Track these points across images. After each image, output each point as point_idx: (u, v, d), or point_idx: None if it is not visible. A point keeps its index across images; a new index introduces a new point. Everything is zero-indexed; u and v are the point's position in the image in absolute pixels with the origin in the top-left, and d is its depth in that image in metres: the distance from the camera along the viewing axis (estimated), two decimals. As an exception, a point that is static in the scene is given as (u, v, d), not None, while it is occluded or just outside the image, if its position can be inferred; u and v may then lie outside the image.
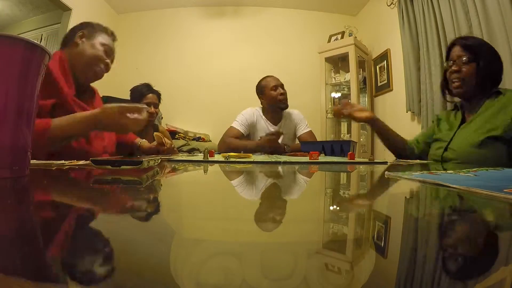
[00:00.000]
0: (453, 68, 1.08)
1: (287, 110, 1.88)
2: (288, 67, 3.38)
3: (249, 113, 1.85)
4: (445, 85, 1.15)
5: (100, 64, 1.04)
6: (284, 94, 1.77)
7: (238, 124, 1.80)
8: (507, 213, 0.22)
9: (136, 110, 0.82)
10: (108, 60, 1.06)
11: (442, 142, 1.12)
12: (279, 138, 1.59)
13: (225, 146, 1.71)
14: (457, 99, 1.20)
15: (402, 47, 2.55)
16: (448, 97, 1.20)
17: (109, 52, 1.07)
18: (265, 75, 1.90)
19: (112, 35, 1.10)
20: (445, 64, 1.14)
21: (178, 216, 0.22)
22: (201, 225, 0.19)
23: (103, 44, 1.05)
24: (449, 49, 1.12)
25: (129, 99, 1.71)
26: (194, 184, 0.47)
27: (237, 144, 1.67)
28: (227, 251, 0.14)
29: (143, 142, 1.37)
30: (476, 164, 0.87)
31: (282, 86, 1.79)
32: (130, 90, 1.74)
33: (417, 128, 2.38)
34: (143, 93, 1.71)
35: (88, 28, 1.04)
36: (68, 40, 1.04)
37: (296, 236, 0.17)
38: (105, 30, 1.08)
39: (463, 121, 1.11)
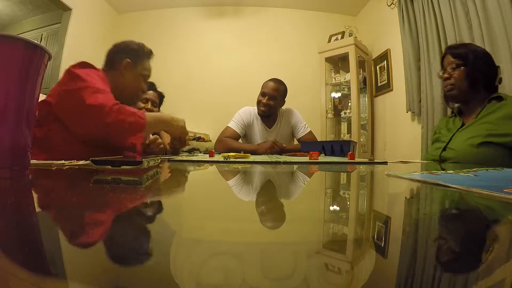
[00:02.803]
0: (445, 75, 1.13)
1: (285, 108, 1.85)
2: (288, 67, 3.38)
3: (246, 113, 1.83)
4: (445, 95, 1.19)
5: (139, 96, 1.13)
6: (266, 104, 1.72)
7: (234, 124, 1.79)
8: (507, 213, 0.22)
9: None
10: (145, 87, 1.14)
11: (441, 143, 1.14)
12: (278, 149, 1.58)
13: (222, 145, 1.70)
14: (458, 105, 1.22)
15: (402, 47, 2.55)
16: (451, 104, 1.23)
17: (148, 76, 1.14)
18: (269, 77, 1.86)
19: (151, 55, 1.17)
20: (439, 74, 1.19)
21: (178, 216, 0.22)
22: (201, 225, 0.19)
23: (145, 73, 1.11)
24: (443, 59, 1.17)
25: None
26: (194, 184, 0.47)
27: (235, 146, 1.66)
28: (227, 251, 0.14)
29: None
30: (474, 164, 0.87)
31: (270, 96, 1.72)
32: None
33: (417, 128, 2.38)
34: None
35: (133, 56, 1.08)
36: (112, 63, 1.07)
37: (296, 236, 0.17)
38: (148, 55, 1.14)
39: (462, 125, 1.13)
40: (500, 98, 1.04)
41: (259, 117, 1.82)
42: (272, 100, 1.73)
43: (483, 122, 1.02)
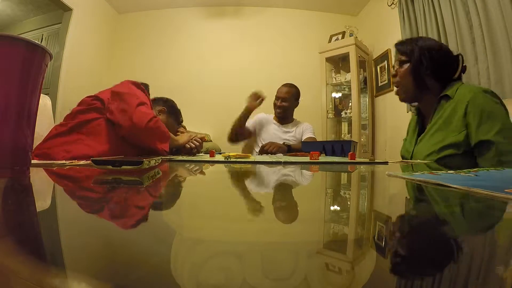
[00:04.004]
0: (392, 73, 1.05)
1: (300, 121, 2.08)
2: (288, 67, 3.38)
3: (259, 115, 2.07)
4: None
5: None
6: (280, 106, 1.96)
7: (249, 123, 2.00)
8: (508, 214, 0.22)
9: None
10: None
11: (409, 146, 1.10)
12: (284, 150, 1.70)
13: (229, 134, 1.97)
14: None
15: (403, 47, 2.55)
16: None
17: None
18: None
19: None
20: (391, 71, 1.12)
21: (179, 216, 0.22)
22: (201, 225, 0.19)
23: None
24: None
25: None
26: (194, 184, 0.47)
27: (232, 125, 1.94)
28: (228, 251, 0.14)
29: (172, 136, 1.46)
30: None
31: (283, 98, 1.96)
32: (172, 106, 1.78)
33: (418, 128, 2.37)
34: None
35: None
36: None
37: (296, 236, 0.17)
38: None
39: (422, 129, 1.06)
40: (447, 97, 0.95)
41: (273, 119, 2.05)
42: (285, 101, 1.96)
43: (434, 131, 0.95)
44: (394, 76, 1.05)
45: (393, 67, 1.07)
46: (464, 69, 1.00)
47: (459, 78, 1.00)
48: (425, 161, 0.95)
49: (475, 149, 0.86)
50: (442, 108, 0.96)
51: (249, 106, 1.86)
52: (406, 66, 1.00)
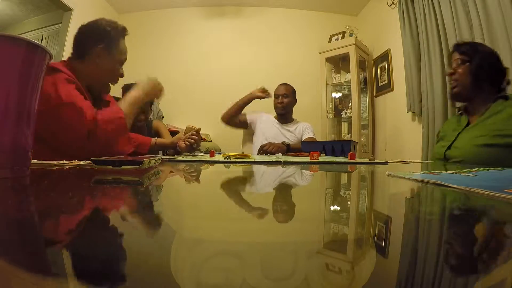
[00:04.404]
0: (449, 71, 1.12)
1: (300, 120, 2.10)
2: (289, 67, 3.38)
3: (258, 113, 2.11)
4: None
5: (116, 79, 1.01)
6: (281, 102, 1.99)
7: (247, 113, 2.07)
8: (508, 213, 0.22)
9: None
10: (122, 71, 1.02)
11: (446, 141, 1.13)
12: (283, 150, 1.71)
13: (224, 114, 2.01)
14: (463, 104, 1.21)
15: (403, 47, 2.55)
16: (456, 102, 1.24)
17: (125, 59, 1.02)
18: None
19: (126, 33, 1.03)
20: (447, 71, 1.19)
21: (179, 216, 0.22)
22: (201, 225, 0.19)
23: (122, 58, 0.99)
24: (450, 57, 1.17)
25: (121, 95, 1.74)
26: (194, 184, 0.47)
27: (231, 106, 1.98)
28: (228, 251, 0.14)
29: (159, 140, 1.41)
30: (478, 163, 0.87)
31: (283, 95, 2.00)
32: (122, 88, 1.77)
33: (418, 128, 2.37)
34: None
35: (106, 40, 0.94)
36: (82, 52, 0.93)
37: (297, 236, 0.17)
38: (122, 34, 1.00)
39: (468, 124, 1.12)
40: (506, 98, 1.02)
41: (273, 118, 2.08)
42: (286, 98, 2.00)
43: (488, 123, 1.01)
44: (452, 74, 1.11)
45: (449, 65, 1.14)
46: (509, 82, 1.09)
47: (504, 89, 1.08)
48: (428, 161, 0.98)
49: None
50: (498, 106, 1.02)
51: (253, 93, 1.93)
52: (466, 65, 1.07)
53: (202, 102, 3.46)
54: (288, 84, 2.07)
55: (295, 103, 2.09)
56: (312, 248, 0.15)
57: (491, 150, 0.94)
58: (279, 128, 2.02)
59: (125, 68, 1.04)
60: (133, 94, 0.95)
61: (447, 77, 1.18)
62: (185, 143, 1.31)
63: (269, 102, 2.06)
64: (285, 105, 2.00)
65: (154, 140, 1.39)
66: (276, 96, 2.03)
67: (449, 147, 1.09)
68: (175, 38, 3.60)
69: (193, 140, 1.30)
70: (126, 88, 1.76)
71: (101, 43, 0.92)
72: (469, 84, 1.07)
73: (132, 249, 0.14)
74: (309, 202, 0.30)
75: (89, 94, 0.93)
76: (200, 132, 1.35)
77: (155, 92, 1.04)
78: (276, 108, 2.04)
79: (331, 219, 0.22)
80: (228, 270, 0.12)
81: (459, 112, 1.20)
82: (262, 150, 1.67)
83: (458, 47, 1.14)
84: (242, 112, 2.04)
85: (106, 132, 0.80)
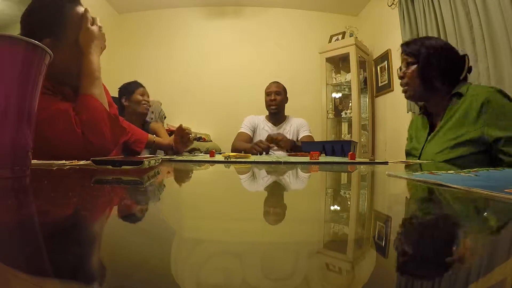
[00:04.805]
0: (399, 74, 1.06)
1: (292, 116, 2.07)
2: (289, 67, 3.39)
3: (250, 118, 2.08)
4: None
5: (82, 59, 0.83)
6: (274, 100, 1.97)
7: (244, 128, 2.02)
8: (508, 214, 0.22)
9: None
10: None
11: (413, 158, 1.09)
12: (263, 148, 1.67)
13: (233, 148, 1.95)
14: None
15: (403, 47, 2.55)
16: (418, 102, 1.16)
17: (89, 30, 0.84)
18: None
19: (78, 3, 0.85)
20: (397, 72, 1.10)
21: (179, 216, 0.22)
22: (201, 225, 0.19)
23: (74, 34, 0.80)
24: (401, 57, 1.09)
25: (118, 96, 1.77)
26: (194, 184, 0.47)
27: (237, 146, 1.89)
28: (228, 251, 0.14)
29: (157, 139, 1.42)
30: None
31: (276, 92, 1.98)
32: (119, 88, 1.78)
33: (418, 128, 2.37)
34: (133, 88, 1.78)
35: (53, 24, 0.77)
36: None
37: (297, 236, 0.17)
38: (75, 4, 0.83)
39: (431, 129, 1.06)
40: (460, 95, 0.95)
41: (265, 120, 2.06)
42: (278, 95, 1.98)
43: (447, 129, 0.95)
44: (402, 78, 1.05)
45: (400, 68, 1.07)
46: (470, 69, 1.00)
47: (465, 78, 1.00)
48: (429, 161, 0.95)
49: (493, 145, 0.86)
50: (454, 106, 0.96)
51: (257, 145, 1.68)
52: (413, 67, 1.01)
53: (202, 102, 3.47)
54: (279, 82, 2.06)
55: (287, 101, 2.07)
56: (312, 248, 0.15)
57: (458, 161, 0.89)
58: (272, 130, 1.99)
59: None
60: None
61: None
62: (175, 146, 1.34)
63: (260, 101, 2.05)
64: (278, 103, 1.97)
65: (153, 137, 1.40)
66: (268, 94, 2.00)
67: (419, 157, 1.05)
68: (175, 38, 3.60)
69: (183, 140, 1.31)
70: (123, 88, 1.77)
71: (49, 34, 0.76)
72: (419, 87, 1.00)
73: (132, 249, 0.14)
74: (309, 202, 0.30)
75: (66, 87, 0.84)
76: (185, 129, 1.33)
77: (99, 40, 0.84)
78: (268, 107, 2.01)
79: (331, 219, 0.22)
80: (228, 270, 0.12)
81: (420, 112, 1.14)
82: (271, 139, 1.66)
83: (404, 47, 1.06)
84: (244, 131, 2.01)
85: (84, 122, 0.73)
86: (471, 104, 0.90)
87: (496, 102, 0.87)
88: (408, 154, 1.15)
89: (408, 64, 1.02)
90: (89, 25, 0.80)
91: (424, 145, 1.04)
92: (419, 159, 1.05)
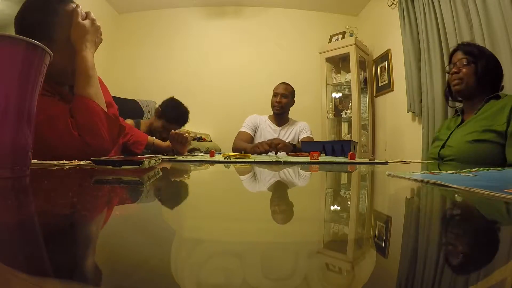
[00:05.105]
0: (453, 69, 1.16)
1: (296, 119, 2.09)
2: (289, 67, 3.39)
3: (253, 117, 2.08)
4: (448, 91, 1.23)
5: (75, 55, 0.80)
6: (279, 102, 1.98)
7: (245, 127, 2.03)
8: (508, 214, 0.22)
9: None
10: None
11: (440, 141, 1.18)
12: (269, 147, 1.66)
13: (234, 147, 1.95)
14: (458, 105, 1.28)
15: (403, 47, 2.55)
16: (451, 103, 1.29)
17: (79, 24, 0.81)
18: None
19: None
20: (447, 68, 1.21)
21: (179, 216, 0.22)
22: (201, 225, 0.19)
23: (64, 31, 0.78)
24: (452, 55, 1.20)
25: (161, 108, 1.73)
26: (194, 184, 0.47)
27: (240, 146, 1.89)
28: (228, 251, 0.14)
29: (157, 141, 1.43)
30: (471, 160, 0.93)
31: (282, 94, 1.99)
32: (167, 105, 1.75)
33: (418, 129, 2.38)
34: (180, 123, 1.78)
35: (44, 30, 0.76)
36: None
37: (297, 236, 0.17)
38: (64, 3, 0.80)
39: (461, 122, 1.17)
40: (497, 97, 1.07)
41: (268, 120, 2.08)
42: (284, 98, 2.00)
43: (479, 119, 1.06)
44: (456, 72, 1.15)
45: (454, 64, 1.17)
46: (502, 87, 1.16)
47: (501, 88, 1.15)
48: (429, 161, 1.01)
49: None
50: (489, 106, 1.07)
51: (257, 147, 1.66)
52: (471, 66, 1.12)
53: (202, 102, 3.46)
54: (289, 84, 2.06)
55: (293, 104, 2.08)
56: (312, 248, 0.15)
57: (482, 146, 0.99)
58: (275, 131, 2.01)
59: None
60: (82, 65, 0.77)
61: (447, 75, 1.21)
62: (174, 148, 1.36)
63: (265, 101, 2.05)
64: (283, 105, 1.99)
65: (152, 139, 1.40)
66: (275, 95, 2.02)
67: (443, 146, 1.14)
68: (175, 38, 3.60)
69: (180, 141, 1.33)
70: (177, 117, 1.71)
71: (43, 36, 0.73)
72: (472, 84, 1.11)
73: (132, 249, 0.13)
74: (309, 202, 0.30)
75: (63, 86, 0.84)
76: (177, 133, 1.35)
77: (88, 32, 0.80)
78: (273, 107, 2.03)
79: (331, 219, 0.22)
80: (228, 270, 0.12)
81: (457, 114, 1.25)
82: (270, 142, 1.66)
83: (464, 47, 1.18)
84: (245, 130, 2.02)
85: (80, 123, 0.73)
86: (505, 106, 1.01)
87: None
88: (435, 140, 1.26)
89: (466, 63, 1.13)
90: (80, 19, 0.77)
91: (453, 131, 1.15)
92: (445, 142, 1.14)
